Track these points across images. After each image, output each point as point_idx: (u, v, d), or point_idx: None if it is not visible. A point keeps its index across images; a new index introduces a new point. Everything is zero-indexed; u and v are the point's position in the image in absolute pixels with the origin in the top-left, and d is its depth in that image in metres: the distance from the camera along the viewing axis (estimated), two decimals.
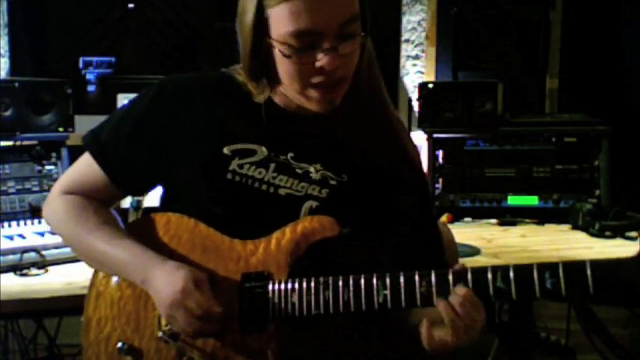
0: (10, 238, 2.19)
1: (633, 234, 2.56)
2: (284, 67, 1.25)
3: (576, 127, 2.92)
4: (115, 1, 3.67)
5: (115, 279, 1.37)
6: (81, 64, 3.32)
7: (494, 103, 2.81)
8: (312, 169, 1.32)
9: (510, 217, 2.85)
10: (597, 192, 2.83)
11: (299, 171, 1.32)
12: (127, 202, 2.32)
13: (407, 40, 3.62)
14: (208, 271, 1.28)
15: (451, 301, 1.15)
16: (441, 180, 2.90)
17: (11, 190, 2.45)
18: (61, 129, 2.59)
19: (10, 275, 2.02)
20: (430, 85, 2.92)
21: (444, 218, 2.67)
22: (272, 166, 1.32)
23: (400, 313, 1.30)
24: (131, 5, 3.65)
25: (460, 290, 1.15)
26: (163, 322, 1.29)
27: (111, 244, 1.34)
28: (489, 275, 1.15)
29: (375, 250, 1.36)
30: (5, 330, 2.95)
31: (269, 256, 1.27)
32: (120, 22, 3.68)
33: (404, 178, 1.37)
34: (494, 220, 2.86)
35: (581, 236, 2.63)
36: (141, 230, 1.37)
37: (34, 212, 2.41)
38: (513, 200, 2.89)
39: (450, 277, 1.17)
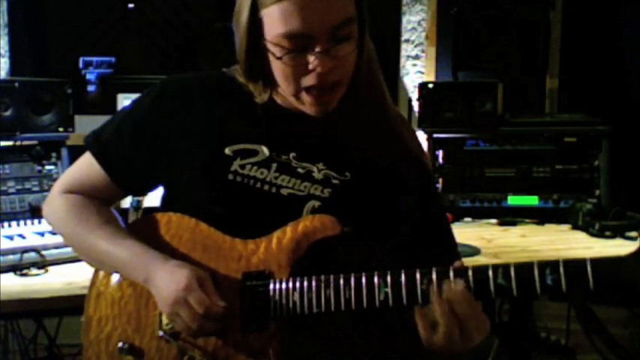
0: (10, 238, 2.19)
1: (633, 234, 2.56)
2: (277, 68, 1.25)
3: (576, 127, 2.92)
4: (115, 1, 3.67)
5: (115, 278, 1.37)
6: (81, 64, 3.31)
7: (494, 103, 2.81)
8: (314, 169, 1.32)
9: (510, 217, 2.85)
10: (597, 192, 2.83)
11: (301, 171, 1.32)
12: (127, 202, 2.32)
13: (407, 40, 3.62)
14: (209, 270, 1.28)
15: (445, 292, 1.15)
16: (441, 180, 2.90)
17: (11, 190, 2.44)
18: (61, 129, 2.59)
19: (10, 275, 2.02)
20: (430, 85, 2.92)
21: None
22: (274, 166, 1.32)
23: (401, 313, 1.30)
24: (131, 5, 3.65)
25: (457, 283, 1.15)
26: (164, 321, 1.29)
27: (112, 243, 1.34)
28: (490, 272, 1.15)
29: (375, 250, 1.36)
30: (5, 330, 2.95)
31: (270, 255, 1.27)
32: (120, 22, 3.68)
33: (404, 178, 1.37)
34: (494, 220, 2.86)
35: (581, 236, 2.63)
36: (142, 230, 1.37)
37: (34, 212, 2.41)
38: (513, 200, 2.89)
39: (451, 275, 1.17)
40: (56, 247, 2.12)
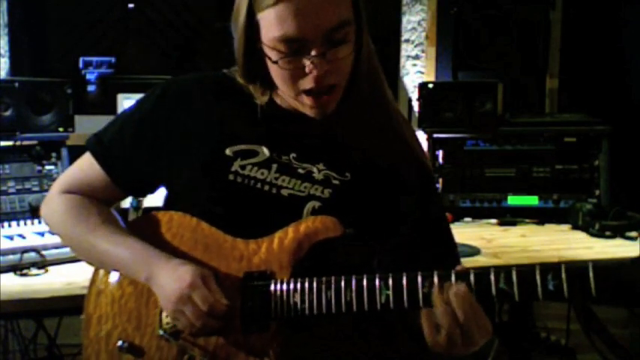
0: (10, 238, 2.19)
1: (633, 234, 2.57)
2: (275, 71, 1.26)
3: (576, 127, 2.92)
4: (115, 1, 3.67)
5: (116, 276, 1.37)
6: (81, 64, 3.32)
7: (494, 103, 2.81)
8: (314, 169, 1.32)
9: (510, 217, 2.86)
10: (597, 192, 2.83)
11: (301, 171, 1.32)
12: (127, 202, 2.32)
13: (407, 40, 3.62)
14: (211, 269, 1.27)
15: (447, 293, 1.15)
16: (441, 180, 2.90)
17: (11, 190, 2.45)
18: (61, 129, 2.59)
19: (10, 275, 2.02)
20: (430, 85, 2.92)
21: None
22: (274, 166, 1.32)
23: (401, 314, 1.30)
24: (131, 5, 3.65)
25: (459, 285, 1.15)
26: (164, 320, 1.29)
27: (113, 243, 1.34)
28: (492, 276, 1.15)
29: (375, 250, 1.36)
30: (5, 330, 2.95)
31: (271, 256, 1.27)
32: (120, 22, 3.68)
33: (404, 178, 1.37)
34: (494, 220, 2.87)
35: (581, 236, 2.63)
36: (143, 228, 1.37)
37: (34, 212, 2.41)
38: (513, 200, 2.89)
39: (453, 278, 1.17)
40: (56, 247, 2.12)
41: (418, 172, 1.40)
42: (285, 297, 1.23)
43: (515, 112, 3.08)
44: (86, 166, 1.42)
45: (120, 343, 1.32)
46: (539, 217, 2.85)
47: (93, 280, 1.40)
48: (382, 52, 1.37)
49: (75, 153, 2.29)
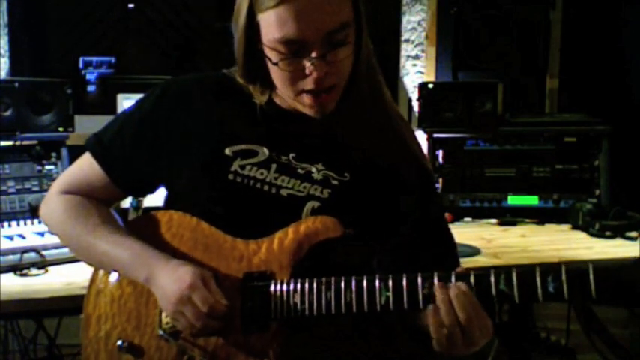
0: (10, 238, 2.19)
1: (633, 234, 2.56)
2: (275, 72, 1.26)
3: (576, 127, 2.92)
4: (115, 1, 3.67)
5: (115, 276, 1.37)
6: (81, 64, 3.32)
7: (494, 103, 2.81)
8: (313, 170, 1.32)
9: (510, 217, 2.85)
10: (597, 192, 2.83)
11: (301, 171, 1.32)
12: (127, 202, 2.32)
13: (407, 40, 3.62)
14: (210, 269, 1.28)
15: (449, 292, 1.15)
16: (441, 180, 2.90)
17: (11, 190, 2.44)
18: (61, 129, 2.59)
19: (10, 275, 2.02)
20: (430, 85, 2.92)
21: None
22: (274, 167, 1.32)
23: (401, 314, 1.30)
24: (131, 5, 3.65)
25: (460, 284, 1.15)
26: (164, 319, 1.29)
27: (112, 243, 1.34)
28: (492, 278, 1.15)
29: (375, 250, 1.36)
30: (5, 330, 2.95)
31: (271, 256, 1.27)
32: (120, 22, 3.68)
33: (404, 178, 1.37)
34: (494, 220, 2.86)
35: (581, 236, 2.63)
36: (142, 228, 1.37)
37: (34, 212, 2.40)
38: (513, 200, 2.89)
39: (453, 279, 1.17)
40: (56, 247, 2.11)
41: (417, 172, 1.40)
42: (285, 297, 1.23)
43: (515, 112, 3.08)
44: (86, 167, 1.42)
45: (119, 342, 1.32)
46: (539, 217, 2.85)
47: (92, 280, 1.40)
48: (382, 52, 1.37)
49: (75, 153, 2.29)
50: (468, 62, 3.27)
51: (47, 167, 2.55)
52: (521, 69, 3.33)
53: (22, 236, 2.22)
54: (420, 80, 3.44)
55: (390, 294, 1.19)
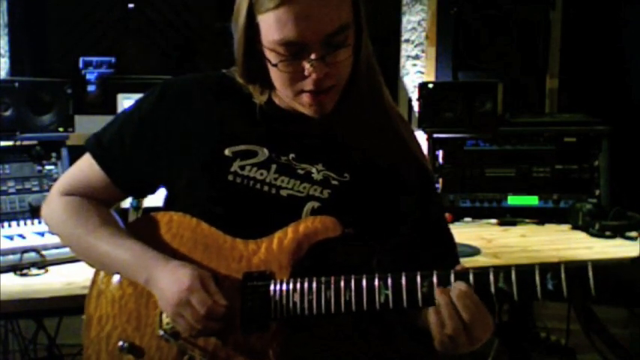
0: (10, 238, 2.19)
1: (633, 234, 2.57)
2: (274, 73, 1.27)
3: (576, 127, 2.92)
4: (115, 1, 3.67)
5: (116, 277, 1.37)
6: (81, 64, 3.32)
7: (494, 103, 2.81)
8: (313, 170, 1.32)
9: (510, 217, 2.85)
10: (597, 192, 2.83)
11: (300, 172, 1.32)
12: (127, 203, 2.32)
13: (407, 40, 3.62)
14: (210, 270, 1.28)
15: (450, 294, 1.15)
16: (441, 180, 2.90)
17: (11, 190, 2.45)
18: (61, 129, 2.59)
19: (10, 275, 2.02)
20: (430, 85, 2.92)
21: None
22: (273, 167, 1.32)
23: (401, 314, 1.30)
24: (131, 5, 3.65)
25: (460, 285, 1.15)
26: (164, 320, 1.30)
27: (112, 245, 1.34)
28: (491, 276, 1.15)
29: (375, 250, 1.36)
30: (5, 330, 2.95)
31: (271, 256, 1.27)
32: (120, 22, 3.68)
33: (404, 178, 1.37)
34: (494, 220, 2.86)
35: (581, 236, 2.63)
36: (142, 229, 1.38)
37: (34, 212, 2.41)
38: (513, 200, 2.89)
39: (452, 278, 1.17)
40: (56, 247, 2.11)
41: (417, 172, 1.40)
42: (284, 297, 1.23)
43: (515, 112, 3.08)
44: (86, 167, 1.42)
45: (120, 343, 1.33)
46: (539, 217, 2.85)
47: (94, 281, 1.41)
48: (382, 52, 1.37)
49: (75, 153, 2.29)
50: (468, 62, 3.27)
51: (47, 167, 2.56)
52: (521, 69, 3.33)
53: (22, 236, 2.22)
54: (420, 80, 3.44)
55: (389, 292, 1.19)
